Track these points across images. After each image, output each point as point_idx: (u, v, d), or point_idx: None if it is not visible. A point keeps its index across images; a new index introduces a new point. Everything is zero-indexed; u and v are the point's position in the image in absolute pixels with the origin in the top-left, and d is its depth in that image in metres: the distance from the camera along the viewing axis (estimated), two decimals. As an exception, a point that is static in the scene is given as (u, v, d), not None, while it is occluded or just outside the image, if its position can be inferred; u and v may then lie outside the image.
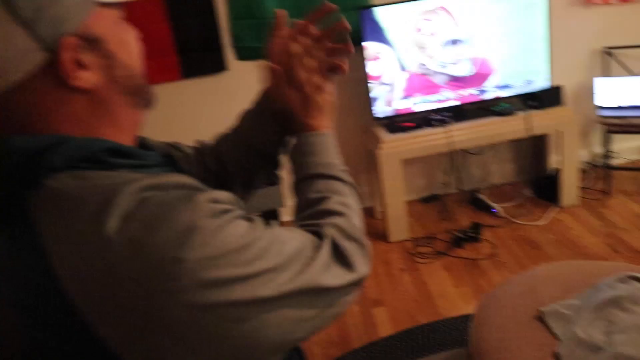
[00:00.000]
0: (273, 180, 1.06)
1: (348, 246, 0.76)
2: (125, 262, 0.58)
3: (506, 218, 3.29)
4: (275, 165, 1.07)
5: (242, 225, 0.66)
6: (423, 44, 3.08)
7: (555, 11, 3.28)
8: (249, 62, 3.21)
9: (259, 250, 0.65)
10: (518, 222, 3.25)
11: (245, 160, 1.05)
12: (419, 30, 3.04)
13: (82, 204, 0.61)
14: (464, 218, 3.37)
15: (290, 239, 0.71)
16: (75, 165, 0.64)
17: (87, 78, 0.67)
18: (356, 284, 0.77)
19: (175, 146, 1.03)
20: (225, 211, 0.65)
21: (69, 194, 0.62)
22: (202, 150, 1.07)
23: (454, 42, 3.08)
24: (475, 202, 3.49)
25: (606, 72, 3.57)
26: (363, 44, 2.99)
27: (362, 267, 0.78)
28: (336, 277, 0.72)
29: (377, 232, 3.32)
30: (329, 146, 0.93)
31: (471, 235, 3.09)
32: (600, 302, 1.51)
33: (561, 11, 3.41)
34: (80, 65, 0.66)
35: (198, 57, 3.12)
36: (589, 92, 3.59)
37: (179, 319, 0.59)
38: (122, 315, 0.59)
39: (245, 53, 3.19)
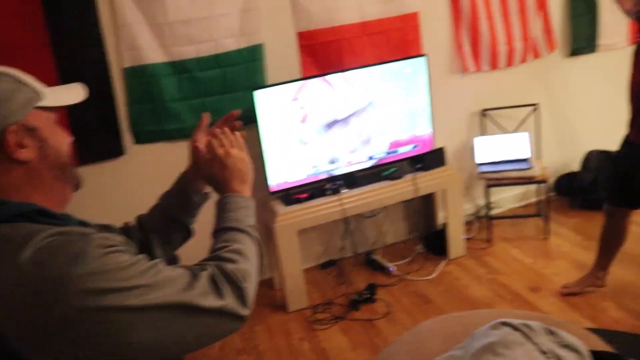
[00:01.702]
0: (187, 238, 1.45)
1: (225, 284, 0.97)
2: (29, 279, 0.82)
3: (400, 276, 3.38)
4: (188, 228, 1.42)
5: (125, 256, 0.90)
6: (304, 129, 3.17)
7: (435, 80, 3.53)
8: (147, 146, 3.15)
9: (135, 272, 0.88)
10: (411, 278, 3.34)
11: (163, 226, 1.38)
12: (300, 113, 3.14)
13: (8, 242, 0.86)
14: (361, 280, 3.41)
15: (168, 269, 0.94)
16: (12, 219, 0.90)
17: (25, 154, 0.96)
18: (227, 313, 0.96)
19: (106, 226, 1.27)
20: (112, 246, 0.89)
21: (1, 236, 0.88)
22: (127, 227, 1.38)
23: (335, 123, 3.21)
24: (370, 264, 3.56)
25: (483, 132, 3.85)
26: (258, 121, 3.01)
27: (233, 301, 0.97)
28: (207, 300, 0.93)
29: (276, 303, 3.29)
30: (245, 205, 1.21)
31: (366, 297, 3.13)
32: (476, 350, 1.56)
33: (441, 80, 3.66)
34: (21, 145, 0.96)
35: (95, 141, 2.98)
36: (470, 150, 3.84)
37: (68, 319, 0.82)
38: (29, 323, 0.82)
39: (144, 136, 3.13)
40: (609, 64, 4.09)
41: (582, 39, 3.99)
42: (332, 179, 3.28)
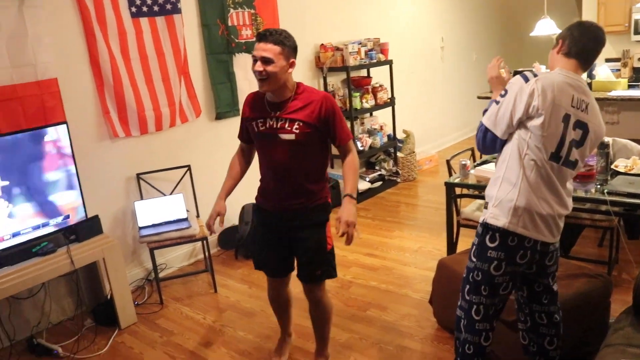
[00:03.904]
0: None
1: None
2: None
3: (68, 356, 3.15)
4: None
5: None
6: None
7: (83, 147, 3.47)
8: None
9: None
10: (80, 357, 3.14)
11: None
12: None
13: None
14: (21, 371, 3.08)
15: None
16: None
17: None
18: None
19: None
20: None
21: None
22: None
23: None
24: (34, 349, 3.23)
25: (143, 195, 3.88)
26: None
27: None
28: None
29: None
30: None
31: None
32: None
33: (90, 146, 3.60)
34: None
35: None
36: (131, 215, 3.83)
37: None
38: None
39: None
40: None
41: (225, 104, 4.39)
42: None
